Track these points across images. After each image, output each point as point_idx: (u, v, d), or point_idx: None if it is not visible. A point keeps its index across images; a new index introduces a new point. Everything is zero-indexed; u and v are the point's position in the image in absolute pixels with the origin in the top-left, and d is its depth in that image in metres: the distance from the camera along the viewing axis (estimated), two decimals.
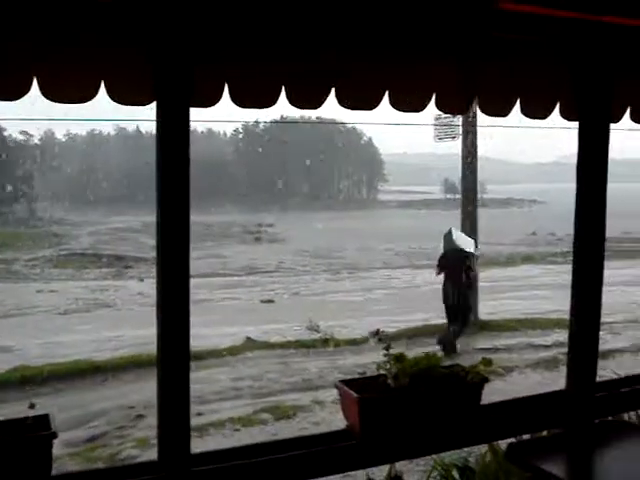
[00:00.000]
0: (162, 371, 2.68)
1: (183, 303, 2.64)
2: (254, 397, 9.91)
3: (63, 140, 67.71)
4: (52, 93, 2.57)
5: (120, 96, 2.66)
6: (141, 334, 15.07)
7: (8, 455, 2.44)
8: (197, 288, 24.04)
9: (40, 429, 2.56)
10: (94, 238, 44.25)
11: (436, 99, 3.17)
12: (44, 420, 2.60)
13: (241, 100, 2.83)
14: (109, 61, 2.61)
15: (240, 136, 79.13)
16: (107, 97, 2.67)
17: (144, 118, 2.62)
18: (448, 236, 13.09)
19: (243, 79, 2.79)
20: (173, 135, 2.61)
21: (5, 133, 51.71)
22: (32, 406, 2.65)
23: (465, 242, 13.07)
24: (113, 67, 2.62)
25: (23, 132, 54.06)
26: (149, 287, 27.63)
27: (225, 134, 79.88)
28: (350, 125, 77.01)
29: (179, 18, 2.60)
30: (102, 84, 2.61)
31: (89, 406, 9.65)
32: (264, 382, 10.76)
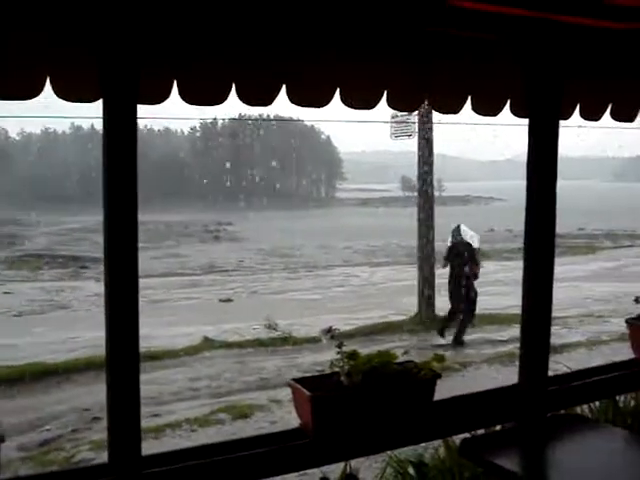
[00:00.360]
0: (111, 373, 2.64)
1: (132, 304, 2.60)
2: (211, 397, 9.86)
3: (17, 139, 66.67)
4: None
5: (66, 93, 2.61)
6: (97, 335, 14.79)
7: None
8: (155, 288, 23.97)
9: None
10: (50, 239, 43.68)
11: (387, 96, 3.16)
12: None
13: (190, 97, 2.79)
14: (55, 57, 2.56)
15: (198, 134, 78.71)
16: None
17: (98, 116, 2.56)
18: (456, 231, 13.62)
19: (192, 76, 2.76)
20: (120, 132, 2.57)
21: None
22: None
23: (471, 237, 13.59)
24: (59, 63, 2.57)
25: None
26: None
27: (183, 132, 79.38)
28: (309, 124, 77.17)
29: (125, 13, 2.56)
30: (47, 81, 2.57)
31: (43, 409, 9.51)
32: (221, 382, 10.71)
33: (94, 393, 10.06)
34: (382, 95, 3.16)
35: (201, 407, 9.17)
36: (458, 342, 13.01)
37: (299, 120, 72.60)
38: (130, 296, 2.59)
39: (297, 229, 47.52)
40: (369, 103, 3.13)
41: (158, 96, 2.73)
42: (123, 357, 2.62)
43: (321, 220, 57.12)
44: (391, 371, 3.14)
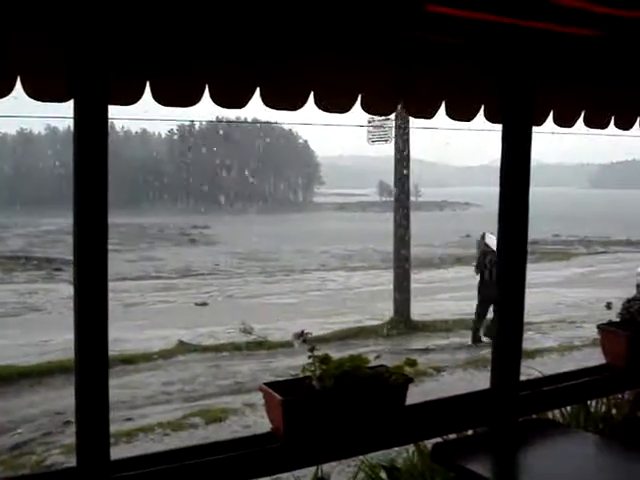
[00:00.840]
0: (80, 376, 2.61)
1: (101, 308, 2.57)
2: (185, 401, 9.81)
3: None
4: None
5: (37, 92, 2.58)
6: (70, 338, 14.69)
7: None
8: (129, 291, 23.82)
9: None
10: (24, 240, 43.27)
11: (362, 100, 3.16)
12: None
13: (163, 98, 2.77)
14: (24, 55, 2.53)
15: (175, 137, 78.42)
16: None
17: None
18: (482, 240, 14.31)
19: (164, 77, 2.73)
20: (91, 133, 2.54)
21: None
22: None
23: (494, 244, 14.06)
24: (28, 62, 2.54)
25: None
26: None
27: (160, 135, 79.02)
28: (287, 127, 77.14)
29: (96, 12, 2.54)
30: (18, 79, 2.54)
31: (15, 412, 9.41)
32: (196, 386, 10.67)
33: (67, 397, 9.95)
34: (356, 99, 3.15)
35: (175, 411, 9.12)
36: (477, 340, 13.78)
37: (277, 123, 72.61)
38: (99, 299, 2.56)
39: (274, 233, 47.46)
40: (343, 107, 3.13)
41: (130, 97, 2.71)
42: (92, 360, 2.59)
43: (298, 224, 57.12)
44: (363, 375, 3.13)
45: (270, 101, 2.94)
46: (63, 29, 2.52)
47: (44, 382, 11.19)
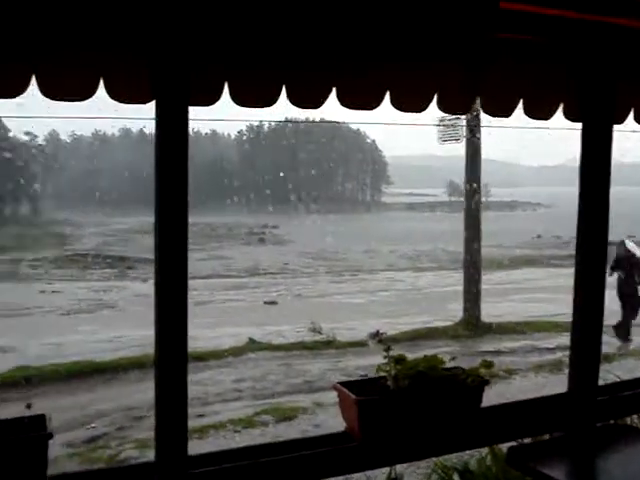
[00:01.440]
0: (160, 372, 2.66)
1: (181, 304, 2.62)
2: (255, 398, 9.89)
3: (67, 141, 67.65)
4: (50, 92, 2.55)
5: (118, 94, 2.64)
6: (143, 335, 15.02)
7: (4, 455, 2.42)
8: (199, 289, 24.14)
9: (36, 429, 2.54)
10: (98, 239, 44.32)
11: (438, 99, 3.14)
12: (40, 420, 2.58)
13: (241, 99, 2.81)
14: (108, 59, 2.59)
15: (244, 137, 79.13)
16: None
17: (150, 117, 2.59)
18: (621, 245, 15.14)
19: (243, 78, 2.77)
20: (172, 134, 2.59)
21: (10, 134, 51.79)
22: (29, 406, 2.63)
23: (634, 248, 15.47)
24: (111, 65, 2.61)
25: (28, 132, 54.09)
26: (152, 288, 27.58)
27: (229, 135, 79.79)
28: (355, 127, 76.98)
29: (177, 15, 2.58)
30: (101, 82, 2.61)
31: (90, 407, 9.64)
32: (266, 383, 10.74)
33: (140, 392, 10.19)
34: (432, 98, 3.14)
35: (245, 408, 9.21)
36: (623, 337, 14.38)
37: (345, 123, 72.42)
38: (179, 296, 2.61)
39: (343, 233, 47.44)
40: (419, 106, 3.11)
41: (209, 98, 2.76)
42: (172, 356, 2.64)
43: (367, 224, 56.94)
44: (438, 376, 3.10)
45: (346, 101, 2.95)
46: (145, 33, 2.57)
47: (118, 377, 11.43)
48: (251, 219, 53.58)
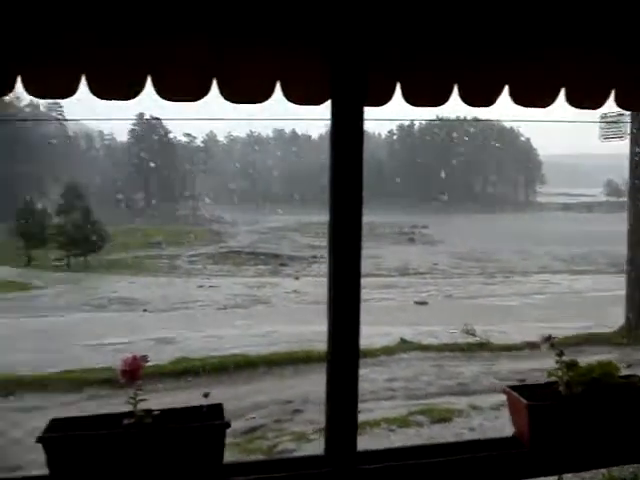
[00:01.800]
0: (332, 367, 2.70)
1: (354, 302, 2.65)
2: (408, 398, 9.86)
3: (224, 142, 70.17)
4: (230, 94, 2.66)
5: (295, 96, 2.72)
6: (296, 331, 15.39)
7: (186, 441, 2.54)
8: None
9: (214, 418, 2.64)
10: (252, 236, 45.70)
11: (615, 96, 3.02)
12: (218, 409, 2.69)
13: (414, 99, 2.82)
14: (285, 62, 2.67)
15: (395, 137, 79.18)
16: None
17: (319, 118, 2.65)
18: None
19: (415, 78, 2.78)
20: (347, 134, 2.62)
21: (170, 135, 54.37)
22: (206, 395, 2.72)
23: None
24: (289, 68, 2.68)
25: (187, 134, 56.56)
26: (304, 285, 28.23)
27: (380, 135, 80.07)
28: (508, 125, 75.30)
29: (355, 17, 2.62)
30: (278, 85, 2.69)
31: (246, 399, 9.93)
32: (418, 384, 10.68)
33: (294, 386, 10.41)
34: (610, 93, 3.02)
35: (398, 408, 9.20)
36: None
37: (498, 121, 71.00)
38: (353, 294, 2.65)
39: (494, 233, 46.59)
40: (597, 102, 3.00)
41: (383, 98, 2.78)
42: (344, 352, 2.68)
43: (519, 224, 55.61)
44: (614, 384, 2.98)
45: (519, 99, 2.90)
46: (323, 36, 2.62)
47: (272, 371, 11.72)
48: (400, 218, 53.58)
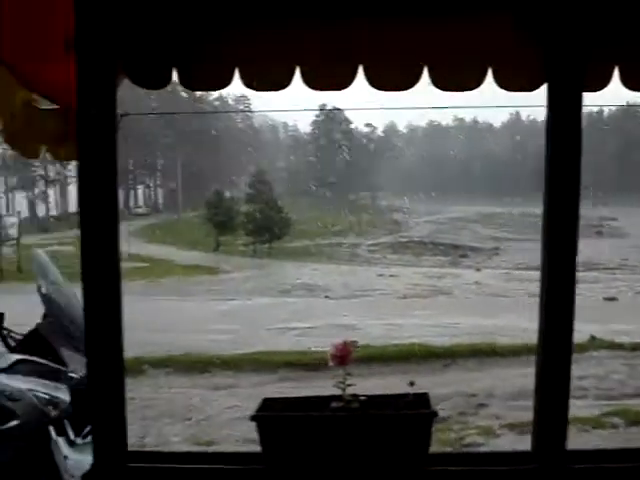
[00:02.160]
0: (542, 361, 2.62)
1: (568, 296, 2.56)
2: (599, 398, 9.45)
3: (404, 132, 70.03)
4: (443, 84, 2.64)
5: (507, 82, 2.65)
6: (479, 323, 15.16)
7: (393, 428, 2.56)
8: (532, 280, 23.57)
9: (419, 407, 2.65)
10: (431, 226, 45.42)
11: None
12: (424, 398, 2.69)
13: (632, 84, 2.68)
14: (495, 46, 2.61)
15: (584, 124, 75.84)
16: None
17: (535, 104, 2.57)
18: None
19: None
20: (565, 121, 2.52)
21: (352, 126, 55.03)
22: (412, 384, 2.74)
23: None
24: (500, 52, 2.61)
25: (368, 124, 57.02)
26: (486, 277, 27.69)
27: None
28: None
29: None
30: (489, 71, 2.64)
31: (431, 389, 9.89)
32: (610, 383, 10.21)
33: (479, 379, 10.28)
34: None
35: (590, 407, 8.83)
36: None
37: None
38: (567, 287, 2.56)
39: None
40: None
41: (601, 82, 2.66)
42: (557, 347, 2.60)
43: None
44: None
45: None
46: (537, 18, 2.54)
47: (456, 363, 11.61)
48: (589, 211, 51.24)
